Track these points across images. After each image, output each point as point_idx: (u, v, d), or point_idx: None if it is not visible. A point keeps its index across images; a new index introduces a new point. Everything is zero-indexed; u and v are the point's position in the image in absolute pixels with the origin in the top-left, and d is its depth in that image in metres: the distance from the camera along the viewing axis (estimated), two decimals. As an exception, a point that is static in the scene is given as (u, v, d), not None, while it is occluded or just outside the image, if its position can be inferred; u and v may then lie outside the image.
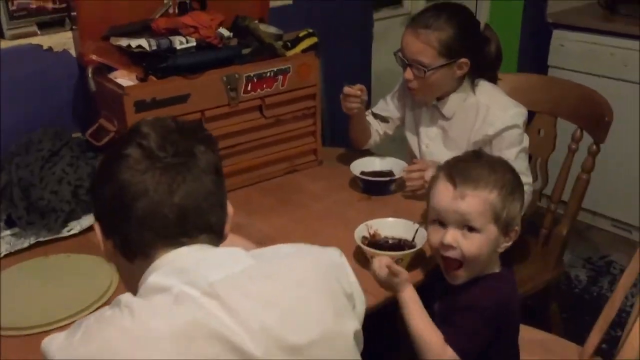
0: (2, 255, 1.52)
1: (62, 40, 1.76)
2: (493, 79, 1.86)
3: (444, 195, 1.29)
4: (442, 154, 1.83)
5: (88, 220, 1.59)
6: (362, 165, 1.83)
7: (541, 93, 2.08)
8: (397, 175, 1.78)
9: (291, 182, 1.86)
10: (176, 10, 1.85)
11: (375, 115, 1.94)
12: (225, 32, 1.79)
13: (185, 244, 0.92)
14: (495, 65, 1.87)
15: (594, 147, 1.92)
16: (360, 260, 1.46)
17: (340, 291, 0.96)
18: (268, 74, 1.77)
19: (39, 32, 1.72)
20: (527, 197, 1.77)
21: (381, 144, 2.00)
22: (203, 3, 1.85)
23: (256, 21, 1.95)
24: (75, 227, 1.59)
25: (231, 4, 1.90)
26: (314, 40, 1.87)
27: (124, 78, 1.64)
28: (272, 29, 1.90)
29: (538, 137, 2.08)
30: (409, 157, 1.95)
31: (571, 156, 1.99)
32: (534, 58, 3.06)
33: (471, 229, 1.27)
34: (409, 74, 1.73)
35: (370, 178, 1.77)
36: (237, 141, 1.78)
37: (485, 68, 1.82)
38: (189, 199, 0.90)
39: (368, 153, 1.94)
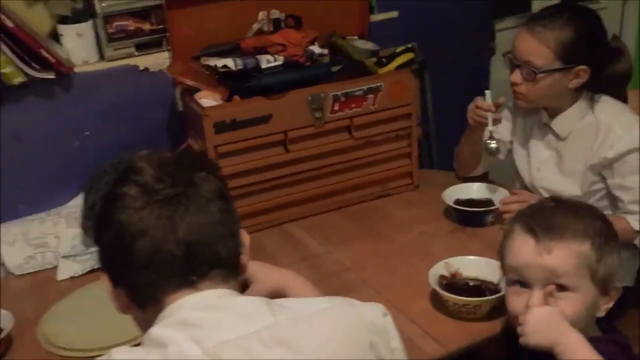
0: (86, 271, 1.58)
1: (158, 60, 1.78)
2: (621, 97, 1.62)
3: (524, 250, 1.07)
4: (556, 180, 1.64)
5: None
6: (458, 192, 1.67)
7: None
8: (496, 205, 1.59)
9: (380, 208, 1.74)
10: (271, 27, 1.81)
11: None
12: (316, 49, 1.72)
13: (195, 283, 0.84)
14: (623, 82, 1.63)
15: None
16: (437, 302, 1.30)
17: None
18: (357, 93, 1.67)
19: (136, 53, 1.76)
20: (656, 236, 1.52)
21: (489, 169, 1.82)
22: (297, 20, 1.80)
23: (355, 37, 1.87)
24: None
25: (329, 19, 1.83)
26: (410, 56, 1.75)
27: (208, 98, 1.62)
28: (369, 45, 1.80)
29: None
30: (518, 182, 1.75)
31: None
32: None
33: (562, 287, 1.05)
34: (516, 76, 1.55)
35: (463, 208, 1.60)
36: (323, 163, 1.70)
37: (609, 83, 1.58)
38: (194, 231, 0.82)
39: (471, 178, 1.77)
